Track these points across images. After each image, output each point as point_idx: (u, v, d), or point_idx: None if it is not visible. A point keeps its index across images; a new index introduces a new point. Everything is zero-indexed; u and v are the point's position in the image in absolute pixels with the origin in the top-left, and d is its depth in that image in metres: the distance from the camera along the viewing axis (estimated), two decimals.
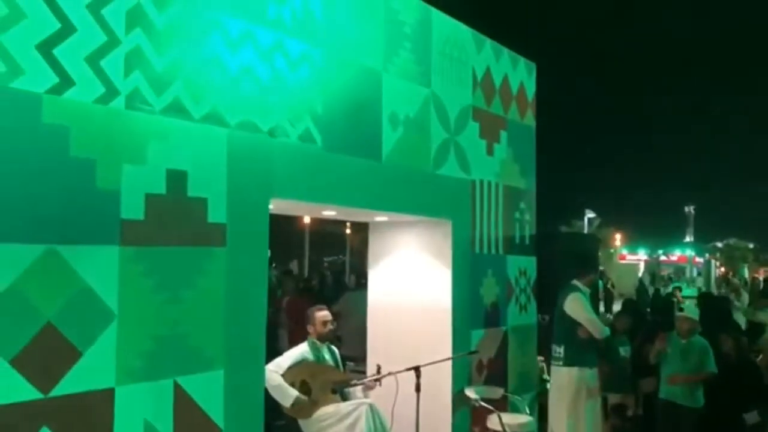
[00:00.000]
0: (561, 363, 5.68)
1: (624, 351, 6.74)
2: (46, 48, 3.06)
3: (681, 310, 6.30)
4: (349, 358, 5.91)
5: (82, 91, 3.18)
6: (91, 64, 3.21)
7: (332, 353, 5.36)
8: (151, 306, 3.43)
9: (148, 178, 3.45)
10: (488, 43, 6.27)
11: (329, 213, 5.50)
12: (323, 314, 5.28)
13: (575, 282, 5.82)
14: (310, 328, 5.26)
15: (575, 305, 5.64)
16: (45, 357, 3.00)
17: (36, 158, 3.02)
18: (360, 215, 5.92)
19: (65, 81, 3.12)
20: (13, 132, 2.95)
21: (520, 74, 6.76)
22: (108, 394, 3.23)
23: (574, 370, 5.56)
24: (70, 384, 3.08)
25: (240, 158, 3.90)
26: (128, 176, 3.36)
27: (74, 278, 3.12)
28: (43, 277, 3.01)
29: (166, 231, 3.52)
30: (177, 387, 3.53)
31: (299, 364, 5.04)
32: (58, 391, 3.04)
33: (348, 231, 31.19)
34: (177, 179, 3.57)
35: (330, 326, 5.25)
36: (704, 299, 10.24)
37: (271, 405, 4.74)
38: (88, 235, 3.19)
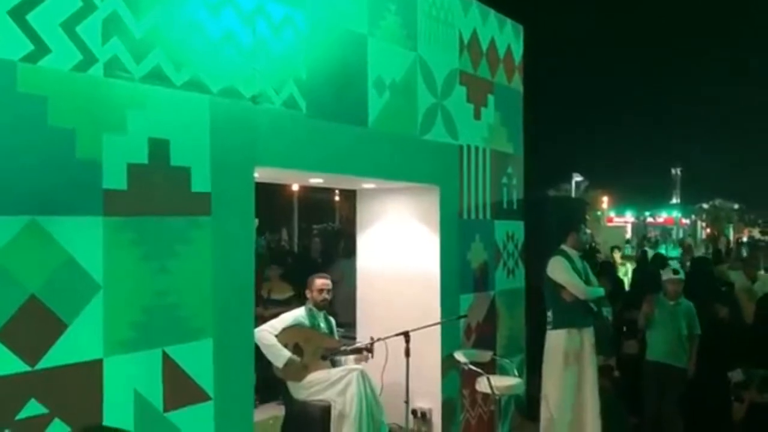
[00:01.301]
0: (550, 326, 5.73)
1: (606, 313, 6.79)
2: (19, 14, 2.96)
3: (675, 272, 6.28)
4: (339, 325, 5.93)
5: (58, 59, 3.10)
6: (66, 30, 3.13)
7: (328, 322, 5.38)
8: (137, 276, 3.41)
9: (130, 148, 3.39)
10: (475, 5, 6.18)
11: (316, 181, 5.46)
12: (321, 282, 5.28)
13: (563, 246, 5.84)
14: (308, 294, 5.28)
15: (556, 268, 5.65)
16: (30, 330, 2.98)
17: (13, 129, 2.95)
18: (347, 182, 5.88)
19: (40, 48, 3.04)
20: None
21: (507, 37, 6.68)
22: (96, 365, 3.22)
23: (562, 333, 5.59)
24: (57, 356, 3.06)
25: (223, 126, 3.83)
26: (109, 146, 3.30)
27: (57, 250, 3.08)
28: (26, 250, 2.97)
29: (150, 201, 3.47)
30: (166, 357, 3.52)
31: (293, 328, 5.06)
32: (45, 363, 3.02)
33: (337, 198, 31.11)
34: (159, 148, 3.51)
35: (325, 294, 5.25)
36: (691, 262, 10.36)
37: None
38: (70, 206, 3.15)
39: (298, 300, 6.30)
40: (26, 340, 2.97)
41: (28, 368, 2.97)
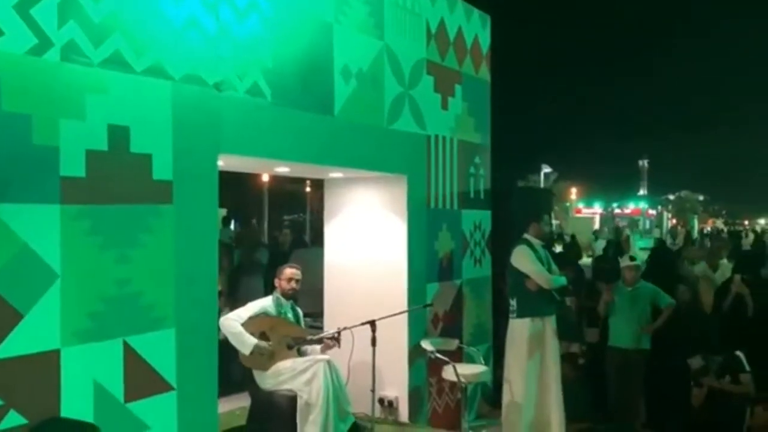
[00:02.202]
0: (514, 315, 5.78)
1: (569, 301, 6.89)
2: None
3: (633, 259, 6.44)
4: (306, 314, 5.91)
5: (11, 42, 3.02)
6: (20, 12, 3.04)
7: (295, 313, 5.34)
8: (96, 265, 3.35)
9: (89, 134, 3.32)
10: None
11: (282, 169, 5.43)
12: (291, 271, 5.24)
13: (525, 235, 5.89)
14: (276, 282, 5.25)
15: (520, 257, 5.70)
16: None
17: None
18: (314, 171, 5.86)
19: None
20: None
21: (474, 27, 6.69)
22: (53, 356, 3.16)
23: (526, 321, 5.65)
24: (12, 346, 2.99)
25: (186, 113, 3.78)
26: (67, 132, 3.22)
27: (12, 238, 3.01)
28: None
29: (110, 188, 3.41)
30: (126, 347, 3.47)
31: (259, 316, 5.02)
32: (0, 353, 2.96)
33: (308, 189, 30.99)
34: (119, 135, 3.44)
35: (293, 284, 5.21)
36: (654, 251, 10.60)
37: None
38: (26, 194, 3.07)
39: None
40: None
41: None
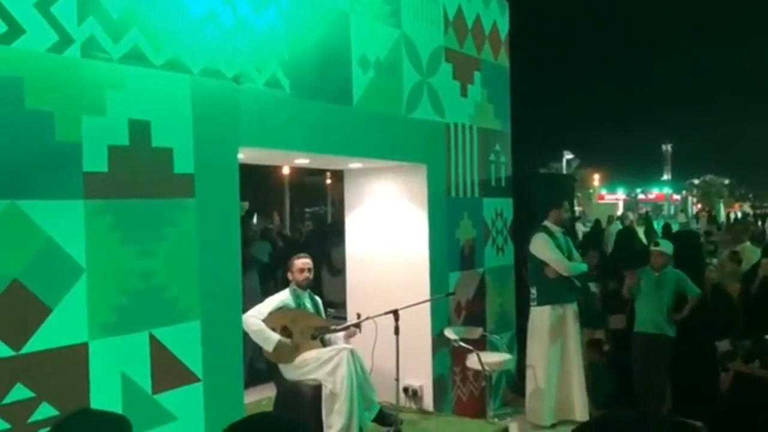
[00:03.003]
0: (534, 303, 5.76)
1: (593, 287, 6.85)
2: None
3: (657, 244, 6.36)
4: (329, 305, 5.93)
5: (33, 40, 3.06)
6: (41, 10, 3.08)
7: (314, 301, 5.37)
8: (121, 259, 3.39)
9: (110, 129, 3.35)
10: None
11: (302, 161, 5.44)
12: (301, 261, 5.26)
13: (545, 222, 5.85)
14: (290, 275, 5.26)
15: (539, 245, 5.68)
16: (14, 314, 2.96)
17: None
18: (333, 162, 5.86)
19: (14, 29, 2.99)
20: None
21: (492, 13, 6.63)
22: (82, 349, 3.21)
23: (546, 309, 5.63)
24: (41, 340, 3.05)
25: (205, 106, 3.80)
26: (89, 128, 3.26)
27: (38, 234, 3.06)
28: (6, 234, 2.95)
29: (132, 183, 3.45)
30: (153, 339, 3.52)
31: (279, 310, 5.05)
32: (30, 347, 3.01)
33: (329, 181, 31.06)
34: (140, 129, 3.47)
35: (307, 274, 5.23)
36: (679, 235, 10.48)
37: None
38: (51, 190, 3.12)
39: None
40: (10, 324, 2.95)
41: (12, 353, 2.96)
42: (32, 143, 3.06)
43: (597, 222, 18.72)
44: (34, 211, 3.05)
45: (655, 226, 19.38)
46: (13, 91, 2.99)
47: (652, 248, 6.24)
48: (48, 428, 2.83)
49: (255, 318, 4.90)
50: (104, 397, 3.25)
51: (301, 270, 5.18)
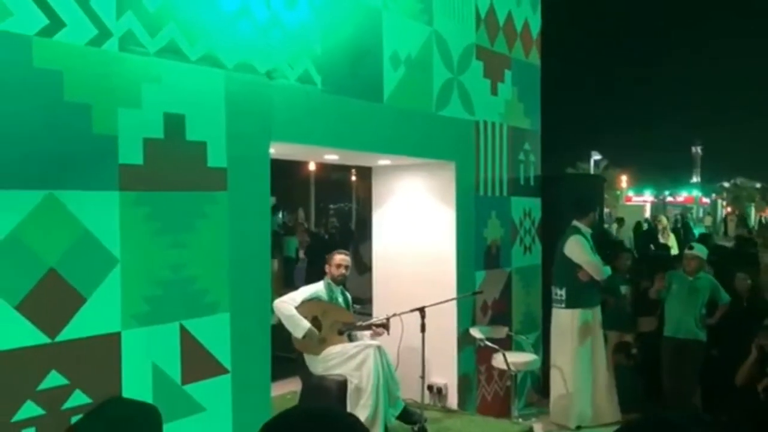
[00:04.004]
0: (563, 305, 5.71)
1: (624, 290, 6.77)
2: None
3: (691, 248, 6.26)
4: (355, 300, 5.95)
5: (73, 33, 3.10)
6: (81, 4, 3.13)
7: (345, 297, 5.41)
8: (154, 251, 3.44)
9: (146, 122, 3.40)
10: None
11: (331, 157, 5.45)
12: (340, 257, 5.32)
13: (576, 223, 5.80)
14: (327, 269, 5.32)
15: (575, 247, 5.63)
16: (50, 302, 3.02)
17: (30, 104, 2.97)
18: (362, 159, 5.87)
19: (55, 22, 3.04)
20: (4, 77, 2.89)
21: (524, 11, 6.58)
22: (115, 338, 3.26)
23: (576, 312, 5.59)
24: (76, 328, 3.11)
25: (238, 101, 3.83)
26: (125, 121, 3.31)
27: (75, 224, 3.11)
28: (44, 224, 3.01)
29: (167, 176, 3.49)
30: (183, 330, 3.56)
31: (312, 300, 5.10)
32: (64, 335, 3.07)
33: (353, 178, 31.14)
34: (175, 123, 3.52)
35: (343, 270, 5.28)
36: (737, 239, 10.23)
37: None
38: (87, 181, 3.17)
39: None
40: (46, 312, 3.01)
41: (48, 340, 3.02)
42: (70, 135, 3.11)
43: (620, 221, 18.41)
44: (71, 201, 3.10)
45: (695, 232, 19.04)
46: (53, 83, 3.04)
47: (686, 252, 6.15)
48: (80, 415, 2.88)
49: (288, 304, 4.95)
50: (135, 387, 3.30)
51: (339, 265, 5.24)
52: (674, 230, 16.56)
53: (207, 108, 3.68)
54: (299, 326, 4.91)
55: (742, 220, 31.61)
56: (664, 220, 16.42)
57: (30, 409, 2.95)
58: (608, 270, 5.83)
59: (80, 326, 3.12)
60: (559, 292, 5.80)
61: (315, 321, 5.03)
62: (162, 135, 3.46)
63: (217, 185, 3.72)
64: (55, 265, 3.04)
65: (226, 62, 3.79)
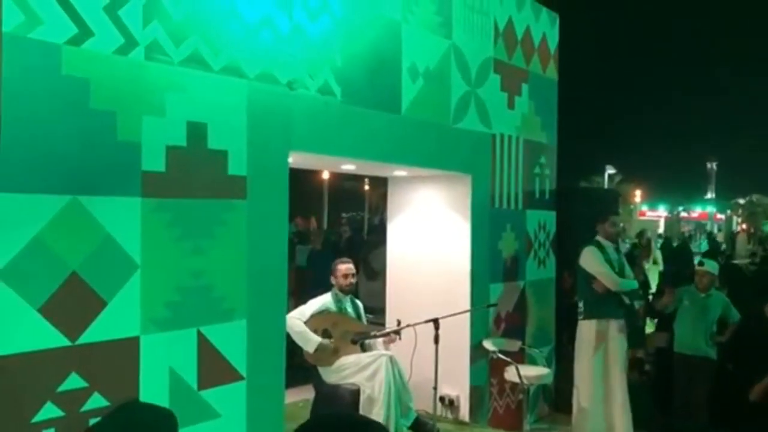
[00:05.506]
0: (582, 317, 5.69)
1: (637, 305, 6.74)
2: None
3: (702, 264, 6.23)
4: (367, 310, 5.97)
5: (101, 42, 3.17)
6: (109, 14, 3.19)
7: (355, 306, 5.43)
8: (174, 257, 3.48)
9: (169, 130, 3.45)
10: None
11: (348, 167, 5.49)
12: (345, 267, 5.33)
13: (597, 237, 5.78)
14: (332, 279, 5.33)
15: (588, 257, 5.61)
16: (71, 306, 3.07)
17: (57, 111, 3.03)
18: (379, 169, 5.90)
19: (84, 31, 3.11)
20: (33, 84, 2.95)
21: (542, 25, 6.61)
22: (133, 343, 3.30)
23: (593, 323, 5.56)
24: (96, 332, 3.15)
25: (259, 111, 3.88)
26: (148, 128, 3.36)
27: (97, 229, 3.16)
28: (67, 228, 3.06)
29: (188, 183, 3.54)
30: (201, 336, 3.60)
31: (321, 314, 5.12)
32: (85, 338, 3.11)
33: (366, 188, 31.20)
34: (197, 131, 3.57)
35: (351, 279, 5.30)
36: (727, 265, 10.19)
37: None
38: (111, 187, 3.22)
39: None
40: (67, 315, 3.06)
41: (69, 343, 3.06)
42: (95, 141, 3.17)
43: (641, 234, 18.24)
44: (95, 207, 3.15)
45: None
46: (79, 91, 3.10)
47: (698, 268, 6.13)
48: (98, 418, 2.92)
49: (297, 320, 4.97)
50: (153, 391, 3.34)
51: (345, 275, 5.25)
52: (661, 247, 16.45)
53: (229, 117, 3.73)
54: (310, 341, 4.94)
55: (754, 236, 31.24)
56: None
57: (50, 411, 2.99)
58: (633, 283, 5.78)
59: (100, 330, 3.16)
60: (580, 304, 5.78)
61: (326, 333, 5.06)
62: (184, 143, 3.52)
63: (237, 193, 3.77)
64: (77, 269, 3.09)
65: (248, 72, 3.84)
